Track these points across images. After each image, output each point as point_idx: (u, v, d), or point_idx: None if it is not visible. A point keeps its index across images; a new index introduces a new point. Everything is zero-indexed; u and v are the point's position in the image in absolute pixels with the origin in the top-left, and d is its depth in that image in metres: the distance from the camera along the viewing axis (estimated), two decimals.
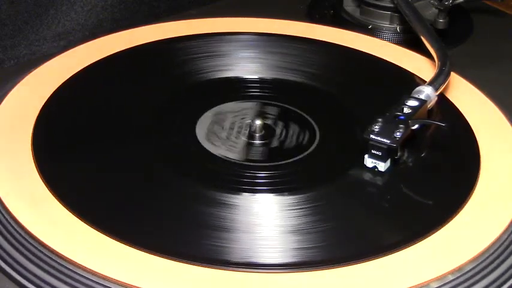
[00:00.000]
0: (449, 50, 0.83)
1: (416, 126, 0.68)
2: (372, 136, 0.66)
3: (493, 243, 0.60)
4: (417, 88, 0.72)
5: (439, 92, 0.73)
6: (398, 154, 0.67)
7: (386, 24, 0.91)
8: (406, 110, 0.69)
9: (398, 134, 0.66)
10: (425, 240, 0.60)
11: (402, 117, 0.68)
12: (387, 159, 0.67)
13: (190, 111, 0.75)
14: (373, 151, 0.66)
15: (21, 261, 0.58)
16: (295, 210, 0.63)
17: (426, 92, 0.72)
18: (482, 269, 0.59)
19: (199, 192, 0.65)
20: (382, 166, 0.67)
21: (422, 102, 0.70)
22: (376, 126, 0.66)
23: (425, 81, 0.74)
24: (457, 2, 0.86)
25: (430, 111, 0.73)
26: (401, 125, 0.67)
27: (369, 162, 0.67)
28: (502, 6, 0.98)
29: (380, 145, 0.66)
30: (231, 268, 0.57)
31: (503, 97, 0.78)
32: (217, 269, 0.57)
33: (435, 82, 0.73)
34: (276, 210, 0.64)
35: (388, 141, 0.66)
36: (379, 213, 0.64)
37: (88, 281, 0.56)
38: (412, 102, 0.70)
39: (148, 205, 0.64)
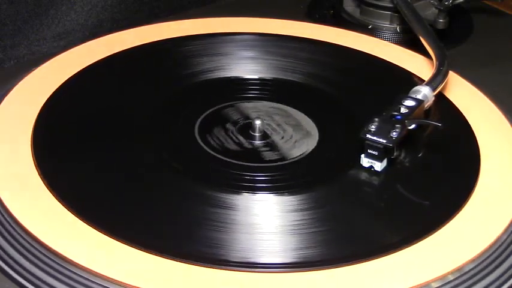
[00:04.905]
0: (449, 50, 0.83)
1: (412, 126, 0.68)
2: (368, 136, 0.66)
3: (493, 243, 0.60)
4: (414, 88, 0.72)
5: (436, 92, 0.73)
6: (395, 154, 0.67)
7: (386, 24, 0.91)
8: (402, 110, 0.69)
9: (394, 133, 0.66)
10: (425, 240, 0.60)
11: (399, 117, 0.68)
12: (383, 159, 0.67)
13: (190, 111, 0.75)
14: (369, 151, 0.67)
15: (21, 261, 0.58)
16: (295, 210, 0.63)
17: (423, 91, 0.72)
18: (482, 269, 0.59)
19: (199, 192, 0.65)
20: (378, 166, 0.67)
21: (420, 102, 0.70)
22: (373, 126, 0.67)
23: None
24: (457, 2, 0.86)
25: (430, 111, 0.73)
26: (398, 125, 0.67)
27: (365, 161, 0.67)
28: (502, 6, 0.98)
29: (376, 145, 0.66)
30: (231, 268, 0.57)
31: (503, 97, 0.78)
32: (217, 269, 0.57)
33: (433, 82, 0.73)
34: (276, 210, 0.64)
35: (384, 141, 0.66)
36: (379, 213, 0.64)
37: (88, 281, 0.56)
38: (409, 102, 0.70)
39: (148, 205, 0.64)
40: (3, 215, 0.61)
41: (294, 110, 0.76)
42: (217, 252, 0.59)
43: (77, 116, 0.73)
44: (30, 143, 0.68)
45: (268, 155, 0.70)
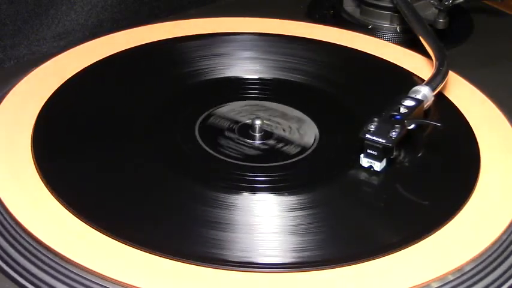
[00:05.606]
0: (449, 50, 0.83)
1: (412, 126, 0.68)
2: (368, 136, 0.66)
3: (493, 243, 0.60)
4: (414, 88, 0.72)
5: (436, 92, 0.73)
6: (394, 154, 0.67)
7: (386, 24, 0.91)
8: (402, 110, 0.69)
9: (393, 133, 0.66)
10: (425, 240, 0.60)
11: (398, 116, 0.68)
12: (383, 158, 0.67)
13: (190, 111, 0.75)
14: (368, 151, 0.67)
15: (21, 261, 0.58)
16: (295, 210, 0.63)
17: (423, 91, 0.72)
18: (482, 269, 0.59)
19: (199, 192, 0.65)
20: (377, 166, 0.67)
21: (419, 102, 0.70)
22: (372, 126, 0.67)
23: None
24: (457, 2, 0.86)
25: (429, 111, 0.73)
26: (397, 125, 0.67)
27: (364, 161, 0.67)
28: (502, 6, 0.98)
29: (375, 145, 0.66)
30: (231, 268, 0.57)
31: (503, 97, 0.78)
32: (217, 269, 0.57)
33: (432, 82, 0.73)
34: (276, 210, 0.64)
35: (384, 141, 0.66)
36: (379, 213, 0.64)
37: (88, 281, 0.56)
38: (409, 102, 0.70)
39: (148, 205, 0.64)
40: (3, 215, 0.61)
41: (294, 110, 0.76)
42: (217, 252, 0.59)
43: (77, 116, 0.73)
44: (30, 143, 0.68)
45: (268, 154, 0.70)
